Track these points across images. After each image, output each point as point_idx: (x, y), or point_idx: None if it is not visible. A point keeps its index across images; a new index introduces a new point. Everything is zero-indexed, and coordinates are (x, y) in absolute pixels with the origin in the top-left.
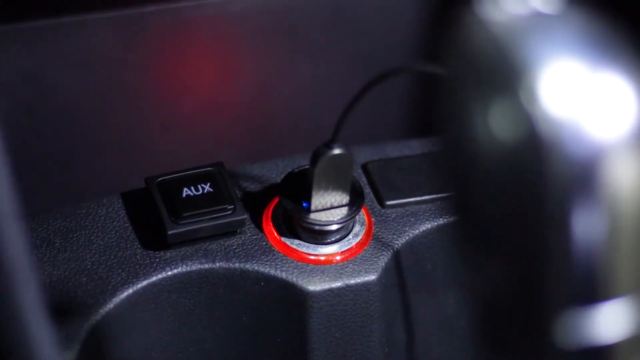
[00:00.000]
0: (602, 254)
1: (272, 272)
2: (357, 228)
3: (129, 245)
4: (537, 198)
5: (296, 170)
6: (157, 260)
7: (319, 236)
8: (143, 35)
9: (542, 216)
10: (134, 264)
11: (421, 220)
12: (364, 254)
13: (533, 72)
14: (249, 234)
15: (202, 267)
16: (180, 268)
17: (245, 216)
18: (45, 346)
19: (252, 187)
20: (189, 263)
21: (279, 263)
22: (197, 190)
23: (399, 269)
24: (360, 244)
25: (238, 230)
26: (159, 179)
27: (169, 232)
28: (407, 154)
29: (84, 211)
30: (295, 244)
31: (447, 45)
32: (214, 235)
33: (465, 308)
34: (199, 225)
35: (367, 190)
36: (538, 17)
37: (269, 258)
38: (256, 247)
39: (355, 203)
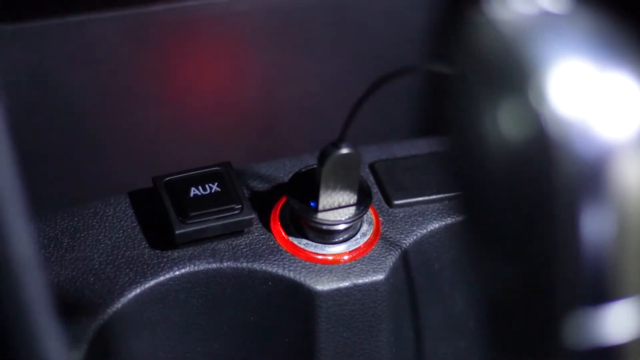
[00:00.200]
0: (611, 254)
1: (280, 271)
2: (364, 227)
3: (136, 245)
4: (546, 198)
5: (304, 170)
6: (165, 259)
7: (327, 236)
8: (149, 34)
9: (551, 216)
10: (142, 263)
11: (429, 220)
12: (372, 253)
13: (542, 72)
14: (256, 234)
15: (209, 266)
16: (187, 268)
17: (253, 216)
18: (53, 346)
19: (260, 186)
20: (197, 263)
21: (287, 263)
22: (204, 189)
23: (407, 268)
24: (368, 244)
25: (246, 230)
26: (167, 179)
27: (177, 232)
28: (414, 154)
29: (91, 211)
30: (302, 243)
31: (456, 45)
32: (222, 234)
33: (473, 308)
34: (206, 225)
35: (375, 189)
36: (546, 17)
37: (276, 258)
38: (264, 247)
39: (363, 202)
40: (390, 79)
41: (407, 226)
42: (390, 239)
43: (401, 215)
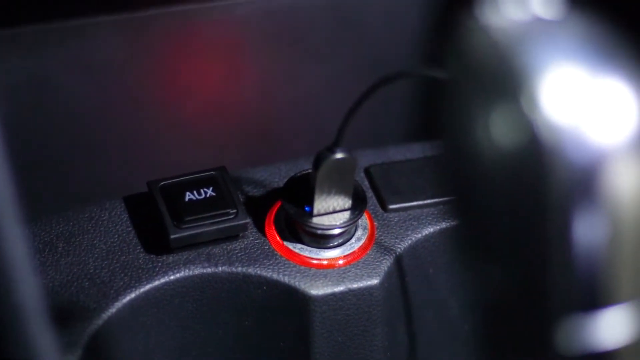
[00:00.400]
0: (604, 260)
1: (275, 276)
2: (359, 232)
3: (131, 250)
4: (539, 204)
5: (299, 175)
6: (160, 264)
7: (322, 240)
8: (147, 38)
9: (544, 222)
10: (137, 268)
11: (424, 224)
12: (367, 258)
13: (534, 78)
14: (251, 238)
15: (204, 271)
16: (182, 272)
17: (248, 220)
18: (47, 350)
19: (255, 191)
20: (192, 267)
21: (282, 267)
22: (199, 194)
23: (402, 273)
24: (362, 248)
25: (240, 235)
26: (162, 183)
27: (172, 237)
28: (409, 158)
29: (86, 215)
30: (297, 248)
31: (449, 51)
32: (217, 239)
33: (467, 312)
34: (201, 230)
35: (370, 194)
36: (539, 23)
37: (271, 262)
38: (259, 252)
39: (358, 207)
40: (385, 84)
41: (402, 230)
42: (385, 244)
43: (396, 219)
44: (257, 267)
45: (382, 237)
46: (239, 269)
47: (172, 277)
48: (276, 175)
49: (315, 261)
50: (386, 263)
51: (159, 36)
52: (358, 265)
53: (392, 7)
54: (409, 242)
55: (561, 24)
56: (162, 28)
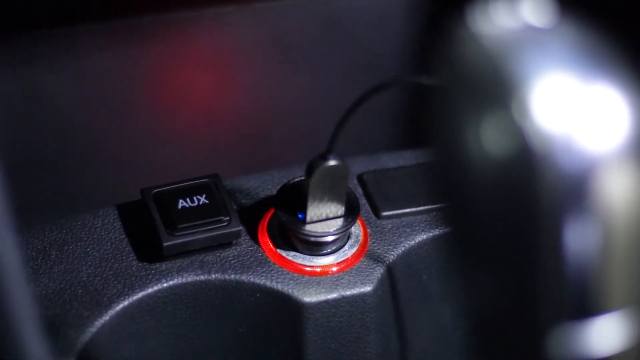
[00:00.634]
0: (595, 267)
1: (268, 283)
2: (352, 239)
3: (124, 257)
4: (530, 211)
5: (291, 182)
6: (153, 272)
7: (315, 247)
8: (139, 46)
9: (535, 229)
10: (130, 275)
11: (417, 231)
12: (360, 265)
13: (525, 86)
14: (244, 246)
15: (197, 278)
16: (175, 280)
17: (241, 228)
18: (40, 359)
19: (248, 198)
20: (185, 275)
21: (275, 274)
22: (192, 201)
23: (395, 280)
24: (356, 255)
25: (234, 242)
26: (155, 191)
27: (165, 244)
28: (402, 165)
29: (79, 223)
30: (290, 255)
31: (440, 58)
32: (210, 246)
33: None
34: (194, 237)
35: (363, 201)
36: (530, 31)
37: (264, 269)
38: (252, 259)
39: (351, 214)
40: (377, 92)
41: (395, 237)
42: (378, 251)
43: (389, 226)
44: (250, 275)
45: (375, 244)
46: (232, 276)
47: (165, 285)
48: (269, 183)
49: (308, 268)
50: (379, 270)
51: (151, 44)
52: (351, 272)
53: (384, 15)
54: (402, 249)
55: (552, 31)
56: (154, 36)
